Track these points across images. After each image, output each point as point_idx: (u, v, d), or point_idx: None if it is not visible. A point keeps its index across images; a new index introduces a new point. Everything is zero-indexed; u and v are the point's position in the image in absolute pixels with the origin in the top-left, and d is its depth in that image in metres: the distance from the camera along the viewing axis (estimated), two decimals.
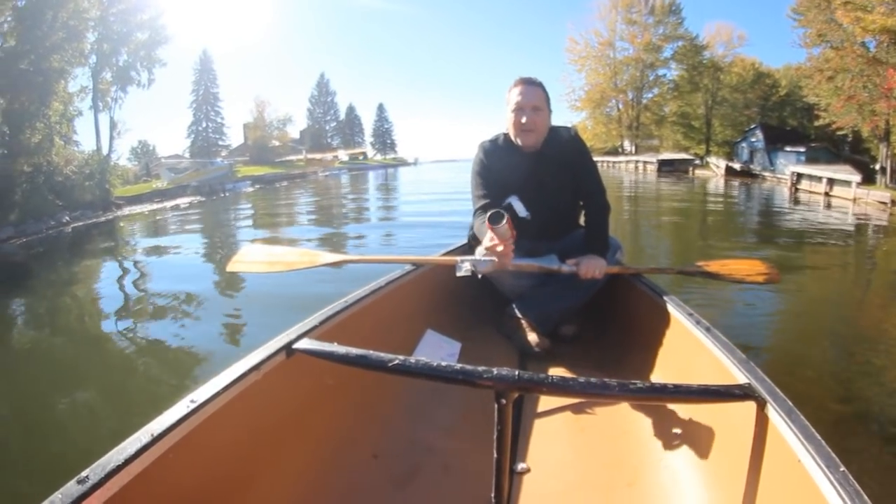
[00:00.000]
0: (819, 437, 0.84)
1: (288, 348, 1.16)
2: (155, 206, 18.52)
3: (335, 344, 1.03)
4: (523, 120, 1.85)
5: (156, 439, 0.82)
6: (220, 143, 52.03)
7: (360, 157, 63.88)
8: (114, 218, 15.95)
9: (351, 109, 69.47)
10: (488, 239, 1.61)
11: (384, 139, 74.79)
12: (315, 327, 1.28)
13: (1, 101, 15.13)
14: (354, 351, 0.95)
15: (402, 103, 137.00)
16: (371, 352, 0.92)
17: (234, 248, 8.29)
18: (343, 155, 58.72)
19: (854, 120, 20.47)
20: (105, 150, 21.27)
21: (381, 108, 74.98)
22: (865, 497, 0.71)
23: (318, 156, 50.85)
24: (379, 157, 71.97)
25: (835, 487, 0.73)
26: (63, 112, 17.80)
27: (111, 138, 22.02)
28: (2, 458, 2.46)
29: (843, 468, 0.76)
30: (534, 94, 1.87)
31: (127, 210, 17.84)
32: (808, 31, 21.94)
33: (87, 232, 13.13)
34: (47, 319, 4.91)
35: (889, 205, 14.78)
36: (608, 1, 42.76)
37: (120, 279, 6.46)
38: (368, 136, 72.93)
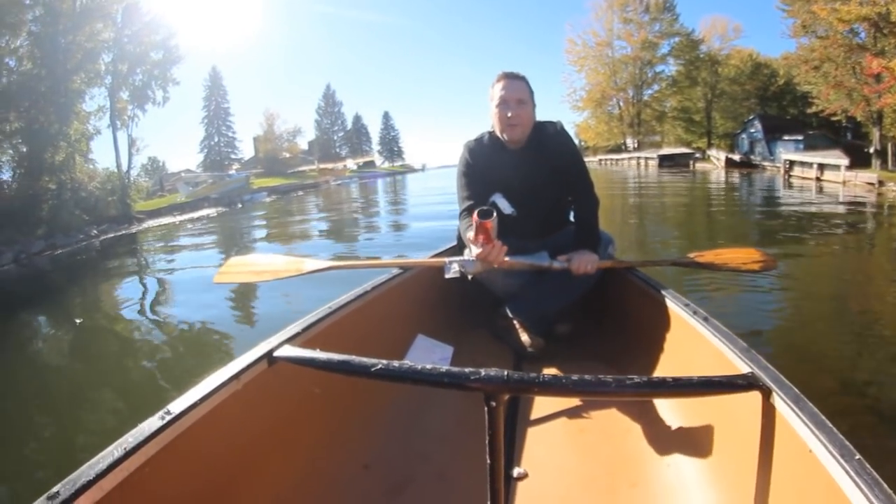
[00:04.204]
0: (830, 425, 0.80)
1: (269, 356, 1.13)
2: (183, 217, 19.35)
3: (317, 350, 1.01)
4: (509, 114, 1.81)
5: (129, 453, 0.80)
6: (233, 156, 53.69)
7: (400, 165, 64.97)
8: (140, 230, 16.72)
9: (357, 119, 70.40)
10: (475, 235, 1.59)
11: (391, 147, 75.72)
12: (297, 334, 1.26)
13: (19, 123, 16.15)
14: (337, 357, 0.92)
15: (407, 110, 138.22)
16: (354, 357, 0.90)
17: (265, 250, 8.82)
18: (352, 164, 59.86)
19: (843, 105, 21.03)
20: (124, 167, 22.32)
21: (386, 116, 76.00)
22: (885, 485, 0.67)
23: (329, 165, 52.25)
24: (387, 164, 72.70)
25: (850, 476, 0.69)
26: (82, 131, 18.81)
27: (130, 155, 23.01)
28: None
29: (858, 456, 0.72)
30: (518, 87, 1.83)
31: (151, 223, 18.65)
32: (794, 22, 22.56)
33: (117, 243, 13.83)
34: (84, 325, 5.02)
35: (876, 185, 15.25)
36: (604, 1, 43.56)
37: (160, 284, 6.77)
38: (375, 145, 74.07)
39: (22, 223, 14.50)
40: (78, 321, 5.12)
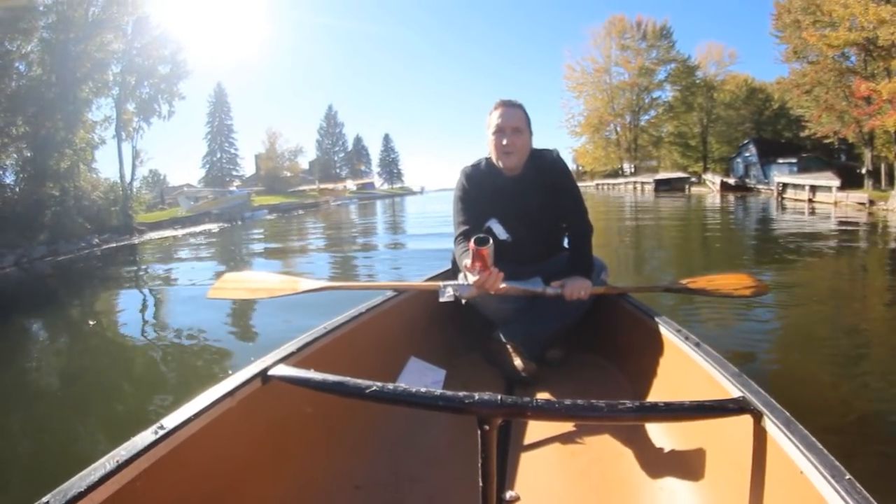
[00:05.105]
0: (820, 446, 0.81)
1: (263, 375, 1.14)
2: (184, 231, 19.51)
3: (312, 371, 1.01)
4: (504, 142, 1.83)
5: (121, 466, 0.80)
6: (234, 172, 54.31)
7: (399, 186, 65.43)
8: (141, 242, 16.87)
9: (358, 140, 71.36)
10: (471, 262, 1.61)
11: (391, 169, 76.59)
12: (292, 354, 1.27)
13: (25, 128, 16.41)
14: (331, 378, 0.93)
15: (408, 132, 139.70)
16: (349, 378, 0.90)
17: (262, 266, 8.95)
18: (351, 185, 60.44)
19: (834, 128, 21.69)
20: (128, 178, 22.51)
21: (387, 138, 77.29)
22: (874, 503, 0.69)
23: (329, 186, 52.84)
24: (386, 186, 73.45)
25: (841, 496, 0.71)
26: (88, 140, 19.06)
27: (133, 167, 23.24)
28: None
29: (848, 476, 0.73)
30: (514, 115, 1.85)
31: (152, 235, 18.81)
32: (787, 48, 23.34)
33: (118, 253, 13.93)
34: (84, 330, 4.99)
35: (867, 205, 15.59)
36: (602, 28, 44.86)
37: (157, 297, 6.75)
38: (375, 166, 74.93)
39: (25, 227, 14.66)
40: (74, 328, 5.14)
